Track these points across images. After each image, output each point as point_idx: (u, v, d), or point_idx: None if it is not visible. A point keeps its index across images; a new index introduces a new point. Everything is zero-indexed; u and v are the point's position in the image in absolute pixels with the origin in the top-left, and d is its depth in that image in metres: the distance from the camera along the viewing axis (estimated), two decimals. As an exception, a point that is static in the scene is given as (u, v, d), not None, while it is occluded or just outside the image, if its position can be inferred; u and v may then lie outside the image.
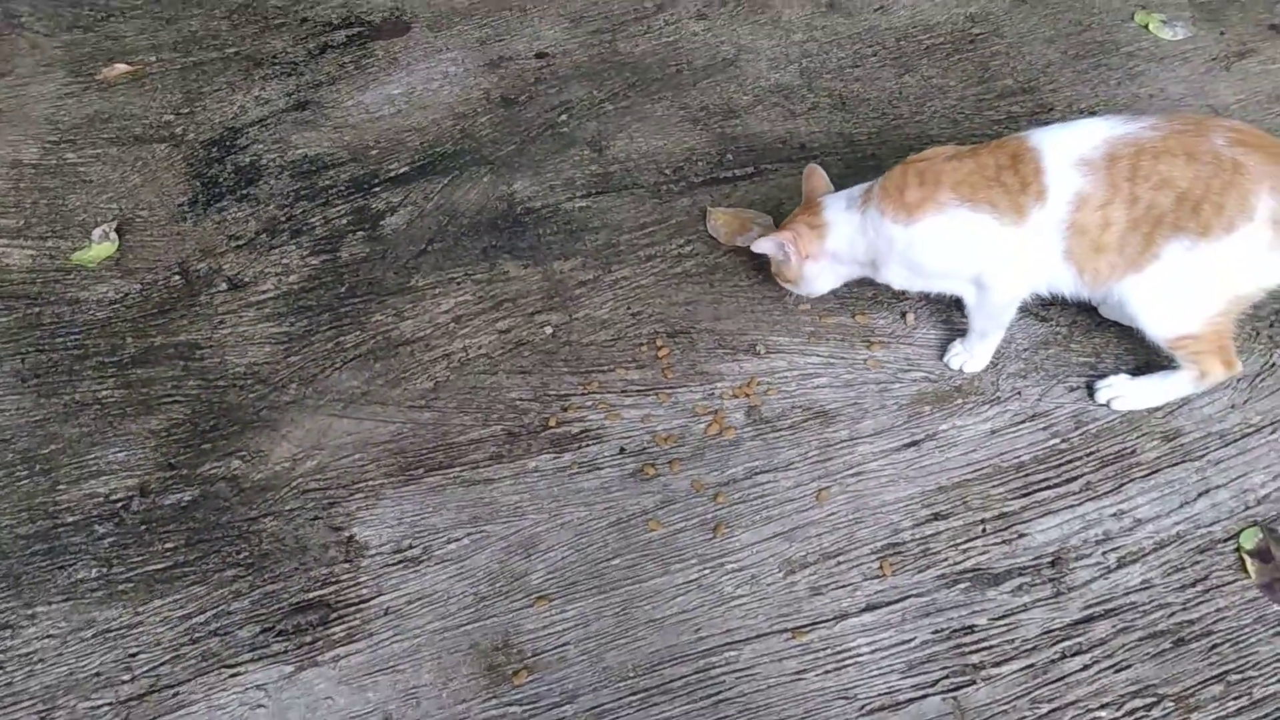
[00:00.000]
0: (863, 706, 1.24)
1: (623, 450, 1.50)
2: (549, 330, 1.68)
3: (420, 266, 1.81)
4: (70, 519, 1.50)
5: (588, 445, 1.51)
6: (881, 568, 1.35)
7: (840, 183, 1.62)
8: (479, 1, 2.37)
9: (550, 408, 1.57)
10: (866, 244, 1.47)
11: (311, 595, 1.39)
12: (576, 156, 1.98)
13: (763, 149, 1.94)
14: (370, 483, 1.51)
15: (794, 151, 1.93)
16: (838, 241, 1.48)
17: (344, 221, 1.90)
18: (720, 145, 1.96)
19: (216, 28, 2.38)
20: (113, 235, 1.90)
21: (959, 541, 1.37)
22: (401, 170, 1.99)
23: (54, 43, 2.39)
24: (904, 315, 1.64)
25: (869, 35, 2.17)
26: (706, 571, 1.36)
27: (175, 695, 1.30)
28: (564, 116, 2.06)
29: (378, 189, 1.96)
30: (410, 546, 1.43)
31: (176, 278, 1.83)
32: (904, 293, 1.64)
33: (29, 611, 1.41)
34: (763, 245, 1.51)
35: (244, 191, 1.98)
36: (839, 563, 1.36)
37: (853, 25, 2.20)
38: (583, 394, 1.58)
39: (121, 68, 2.28)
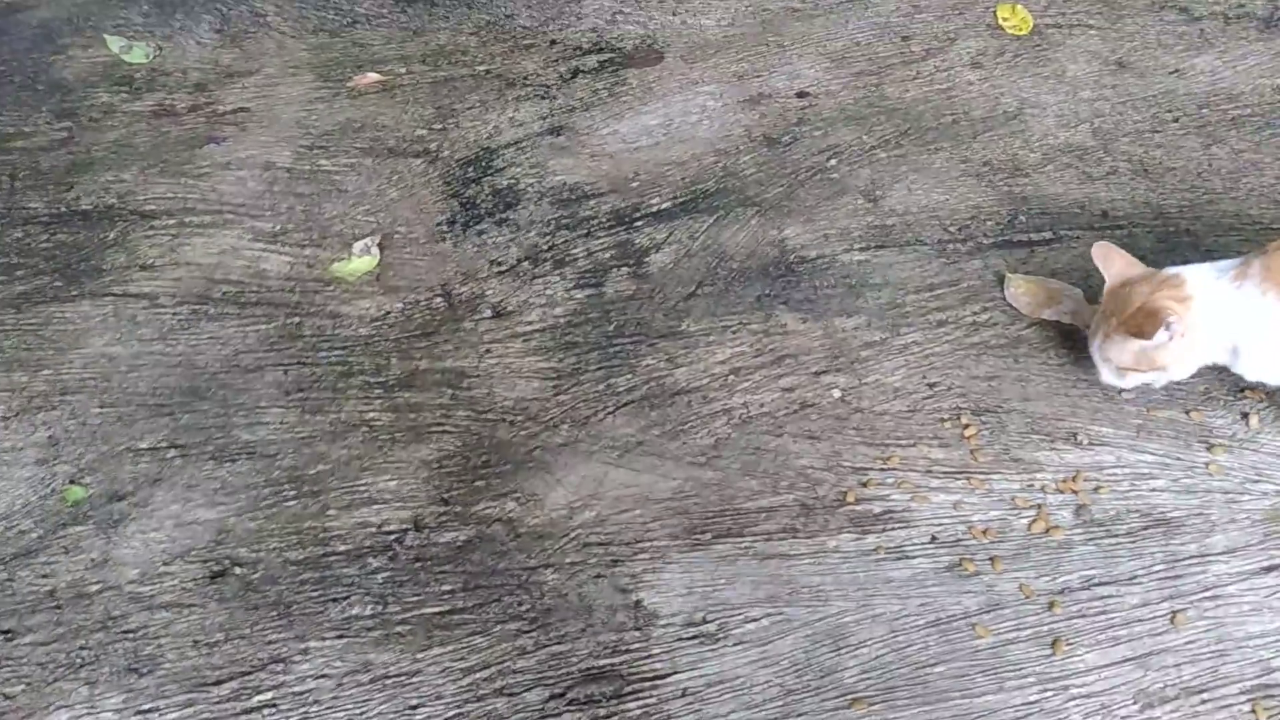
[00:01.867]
0: None
1: (934, 539, 1.37)
2: (837, 393, 1.57)
3: (691, 310, 1.72)
4: (342, 548, 1.44)
5: (893, 529, 1.39)
6: (1254, 711, 1.19)
7: (1156, 260, 1.48)
8: (734, 35, 2.29)
9: (846, 480, 1.45)
10: (1235, 325, 1.33)
11: (602, 663, 1.29)
12: (850, 205, 1.87)
13: (1058, 213, 1.80)
14: (654, 543, 1.41)
15: (1095, 219, 1.78)
16: (1205, 320, 1.34)
17: (607, 255, 1.83)
18: (1010, 205, 1.82)
19: (464, 43, 2.35)
20: (375, 250, 1.86)
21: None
22: (664, 206, 1.91)
23: (301, 45, 2.39)
24: (1245, 416, 1.47)
25: (1166, 99, 2.01)
26: (1049, 694, 1.22)
27: (460, 758, 1.22)
28: (832, 161, 1.96)
29: (640, 223, 1.88)
30: (705, 621, 1.32)
31: (439, 300, 1.77)
32: (1245, 390, 1.48)
33: (301, 645, 1.34)
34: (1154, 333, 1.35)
35: (503, 215, 1.92)
36: (1204, 701, 1.20)
37: (1146, 87, 2.04)
38: (882, 469, 1.46)
39: (373, 76, 2.26)
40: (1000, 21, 2.22)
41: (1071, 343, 1.59)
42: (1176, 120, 1.96)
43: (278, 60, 2.35)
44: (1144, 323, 1.35)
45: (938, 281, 1.71)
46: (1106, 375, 1.44)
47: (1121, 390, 1.48)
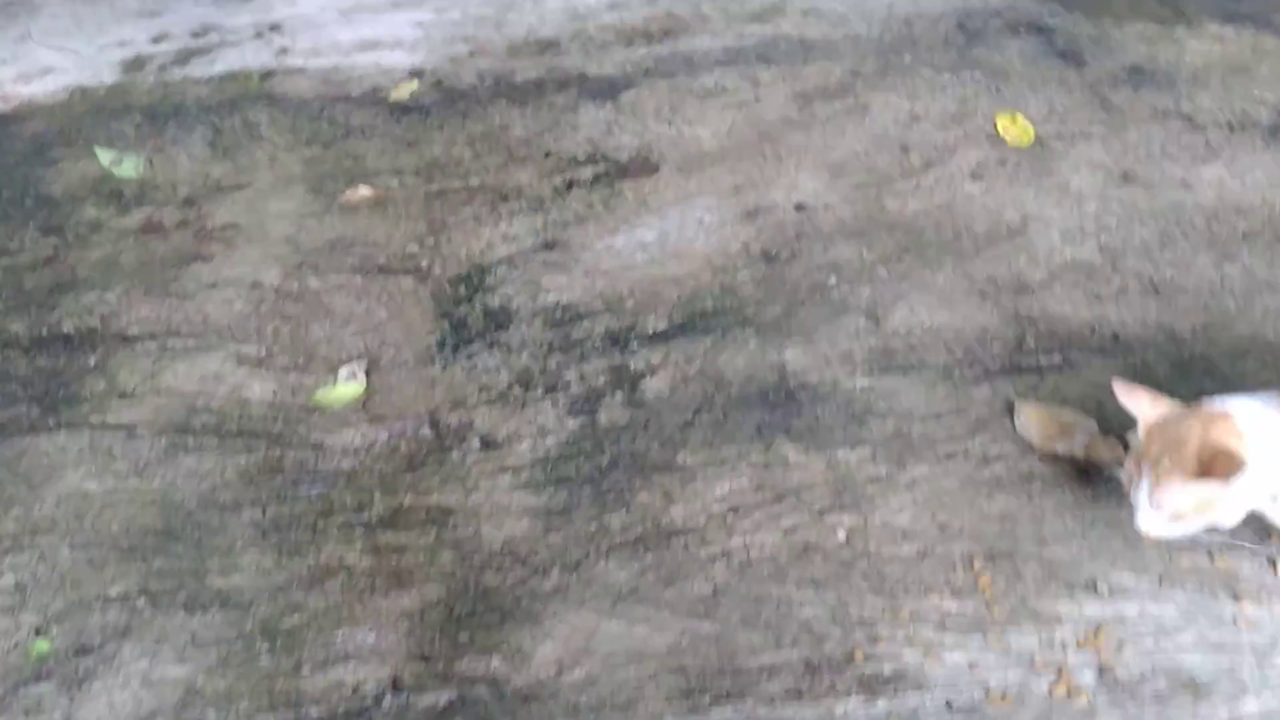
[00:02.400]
0: None
1: (950, 706, 1.28)
2: (842, 535, 1.49)
3: (687, 440, 1.65)
4: (315, 712, 1.35)
5: (906, 693, 1.30)
6: None
7: (1172, 388, 1.41)
8: (730, 146, 2.27)
9: (853, 635, 1.37)
10: None
11: None
12: (851, 326, 1.81)
13: (1068, 335, 1.74)
14: (649, 707, 1.32)
15: (1106, 341, 1.72)
16: (1260, 459, 1.26)
17: (601, 381, 1.76)
18: (1017, 326, 1.77)
19: (459, 155, 2.33)
20: (361, 376, 1.80)
21: None
22: (660, 327, 1.85)
23: (293, 158, 2.37)
24: (1273, 562, 1.39)
25: (1174, 213, 1.97)
26: None
27: None
28: (832, 279, 1.91)
29: (635, 346, 1.82)
30: (703, 799, 1.23)
31: (426, 430, 1.71)
32: (1271, 534, 1.40)
33: (269, 823, 1.25)
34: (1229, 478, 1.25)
35: (494, 337, 1.87)
36: None
37: (1153, 200, 2.00)
38: (891, 622, 1.37)
39: (364, 191, 2.23)
40: (1000, 132, 2.20)
41: (1086, 479, 1.52)
42: (1185, 236, 1.91)
43: (269, 173, 2.32)
44: (1219, 464, 1.24)
45: (944, 409, 1.65)
46: (1153, 524, 1.32)
47: (1151, 536, 1.39)
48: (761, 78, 2.48)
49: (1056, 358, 1.71)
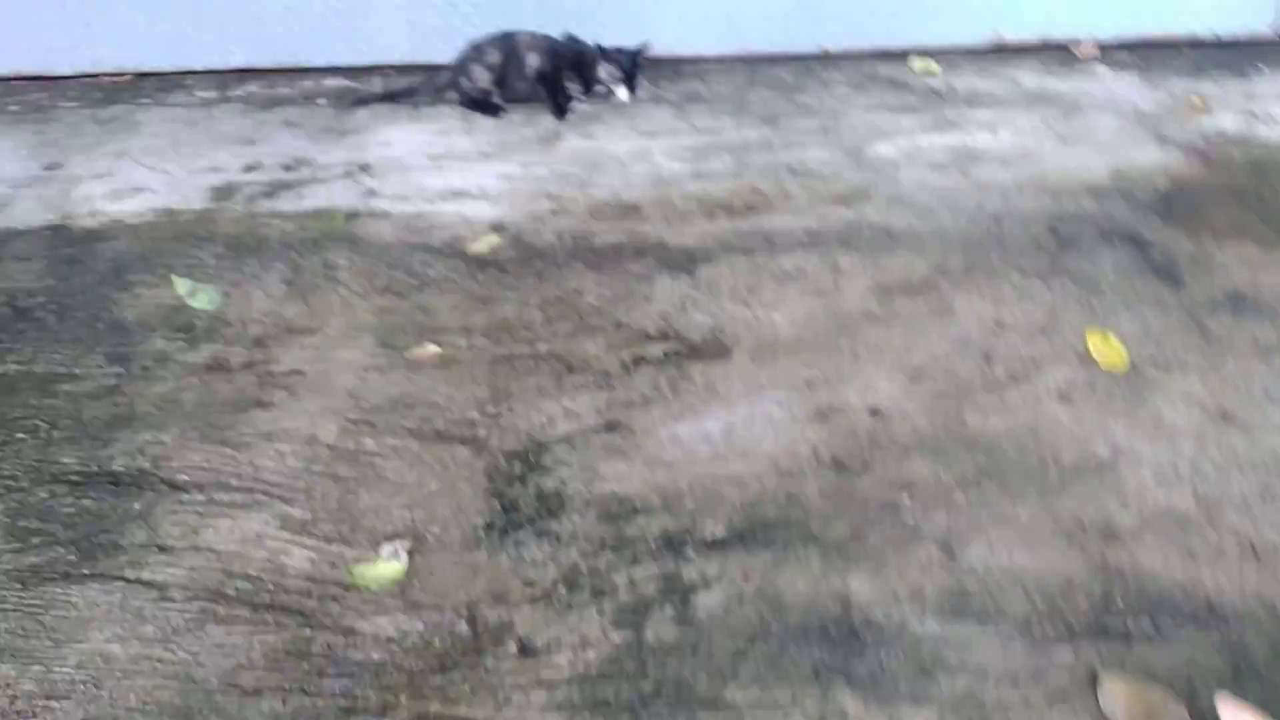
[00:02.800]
0: None
1: None
2: (901, 811, 1.36)
3: (738, 673, 1.54)
4: None
5: None
6: None
7: (1272, 673, 1.27)
8: (806, 336, 2.21)
9: None
10: None
11: None
12: (924, 557, 1.70)
13: (1159, 597, 1.61)
14: None
15: (1200, 608, 1.59)
16: None
17: (652, 589, 1.67)
18: (1104, 579, 1.64)
19: (530, 318, 2.31)
20: (403, 555, 1.73)
21: None
22: (718, 533, 1.76)
23: (367, 305, 2.37)
24: None
25: (1276, 464, 1.85)
26: None
27: None
28: (906, 498, 1.81)
29: (691, 553, 1.73)
30: None
31: (464, 625, 1.62)
32: None
33: None
34: None
35: (544, 525, 1.79)
36: None
37: (1253, 446, 1.89)
38: None
39: (432, 349, 2.21)
40: (1091, 351, 2.11)
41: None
42: (1289, 490, 1.79)
43: (341, 320, 2.32)
44: None
45: (1022, 671, 1.51)
46: None
47: None
48: (842, 264, 2.44)
49: (1146, 623, 1.57)
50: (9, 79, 3.44)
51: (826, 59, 3.65)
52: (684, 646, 1.58)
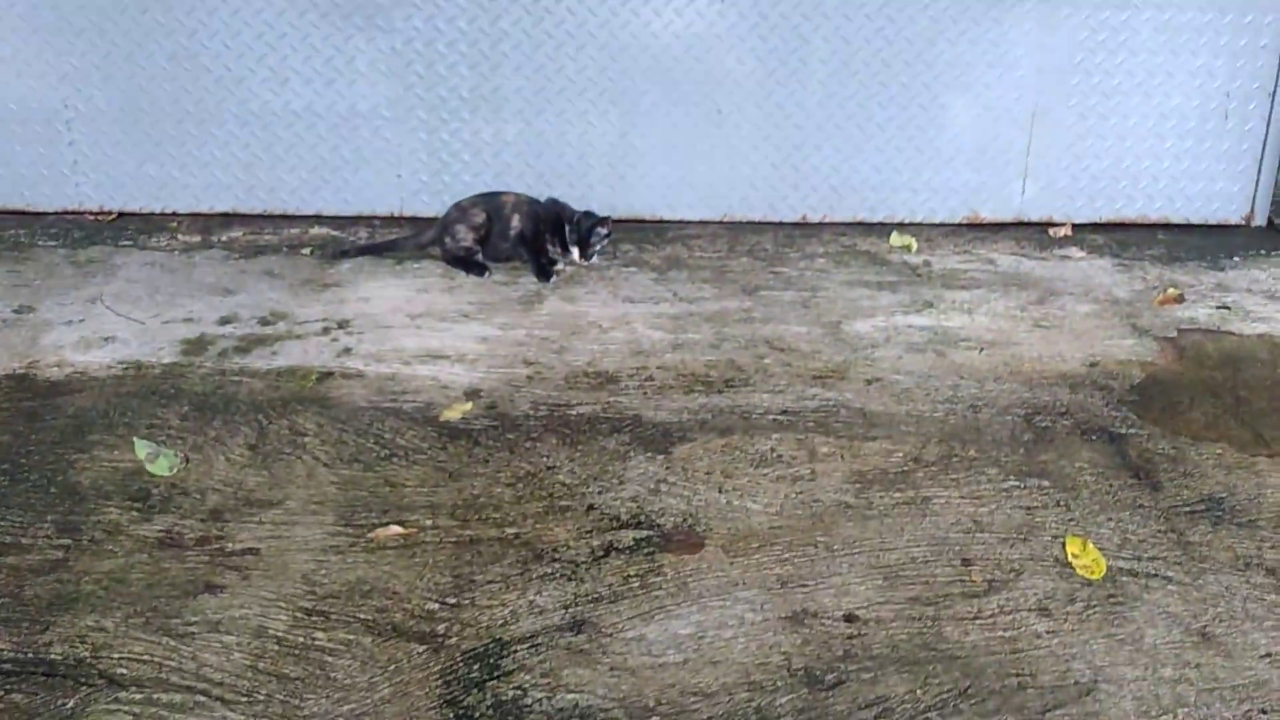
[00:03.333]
0: None
1: None
2: None
3: None
4: None
5: None
6: None
7: None
8: (781, 527, 2.16)
9: None
10: None
11: None
12: (899, 792, 1.62)
13: None
14: None
15: None
16: None
17: (612, 823, 1.58)
18: (1088, 827, 1.57)
19: (499, 496, 2.26)
20: (348, 776, 1.63)
21: None
22: (685, 758, 1.68)
23: (331, 476, 2.31)
24: None
25: (1258, 692, 1.79)
26: None
27: None
28: (881, 720, 1.74)
29: (655, 780, 1.64)
30: None
31: None
32: None
33: None
34: None
35: (501, 742, 1.71)
36: None
37: (1235, 671, 1.83)
38: None
39: (395, 529, 2.14)
40: (1070, 558, 2.08)
41: None
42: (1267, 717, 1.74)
43: (303, 492, 2.26)
44: None
45: None
46: None
47: None
48: (819, 450, 2.41)
49: None
50: (-11, 214, 3.45)
51: (807, 227, 3.72)
52: None
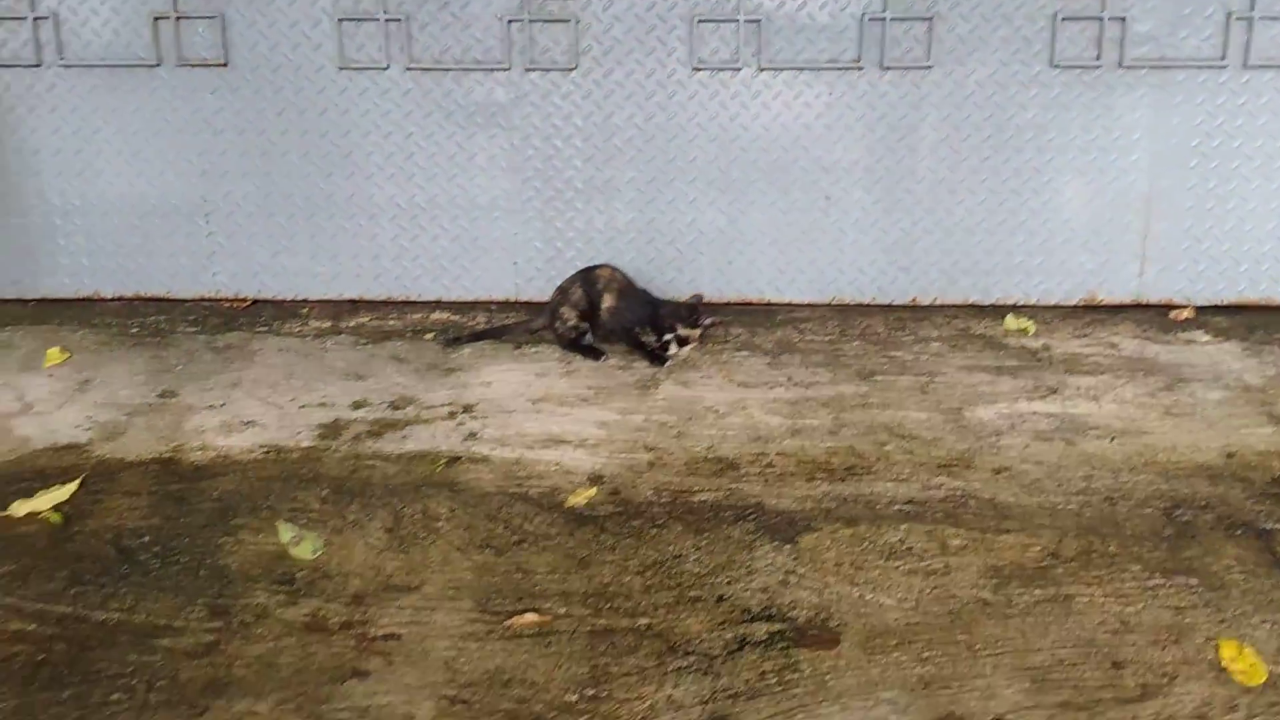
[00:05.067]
0: None
1: None
2: None
3: None
4: None
5: None
6: None
7: None
8: (918, 624, 2.13)
9: None
10: None
11: None
12: None
13: None
14: None
15: None
16: None
17: None
18: None
19: (629, 585, 2.27)
20: None
21: None
22: None
23: (466, 561, 2.35)
24: None
25: None
26: None
27: None
28: (1040, 834, 1.68)
29: None
30: None
31: None
32: None
33: None
34: None
35: (650, 843, 1.70)
36: None
37: None
38: None
39: (531, 617, 2.17)
40: (1225, 663, 1.99)
41: None
42: None
43: (440, 577, 2.30)
44: None
45: None
46: None
47: None
48: (951, 543, 2.38)
49: None
50: (133, 299, 3.65)
51: (919, 310, 3.72)
52: None
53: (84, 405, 2.97)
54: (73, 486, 2.57)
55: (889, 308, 3.72)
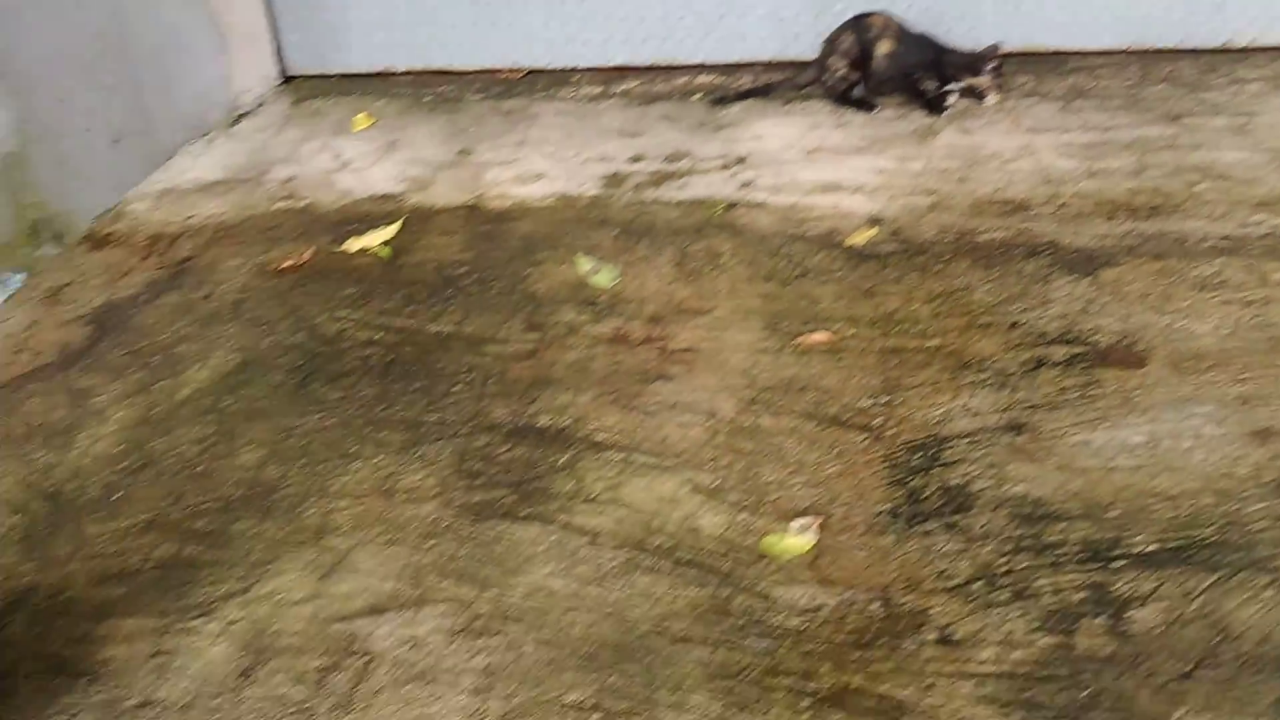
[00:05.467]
0: None
1: None
2: None
3: (1186, 696, 1.45)
4: None
5: None
6: None
7: None
8: (1233, 349, 2.04)
9: None
10: None
11: None
12: (1403, 600, 1.52)
13: None
14: None
15: None
16: None
17: (1078, 597, 1.61)
18: None
19: (916, 312, 2.30)
20: (813, 532, 1.78)
21: None
22: (1149, 548, 1.67)
23: (752, 291, 2.45)
24: None
25: None
26: None
27: None
28: (1374, 535, 1.63)
29: (1119, 565, 1.65)
30: None
31: (878, 607, 1.65)
32: None
33: None
34: None
35: (952, 519, 1.78)
36: None
37: None
38: None
39: (821, 336, 2.26)
40: None
41: None
42: None
43: (729, 303, 2.42)
44: None
45: None
46: None
47: None
48: (1272, 277, 2.22)
49: None
50: (422, 73, 3.89)
51: (1232, 54, 3.34)
52: (1121, 660, 1.51)
53: (393, 162, 3.26)
54: (396, 227, 2.87)
55: (1196, 52, 3.36)
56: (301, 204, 3.04)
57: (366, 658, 1.66)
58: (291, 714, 1.58)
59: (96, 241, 2.96)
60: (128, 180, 3.25)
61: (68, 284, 2.78)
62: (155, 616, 1.75)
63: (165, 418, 2.24)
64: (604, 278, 2.56)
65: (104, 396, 2.32)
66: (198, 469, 2.08)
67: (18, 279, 2.82)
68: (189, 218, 3.02)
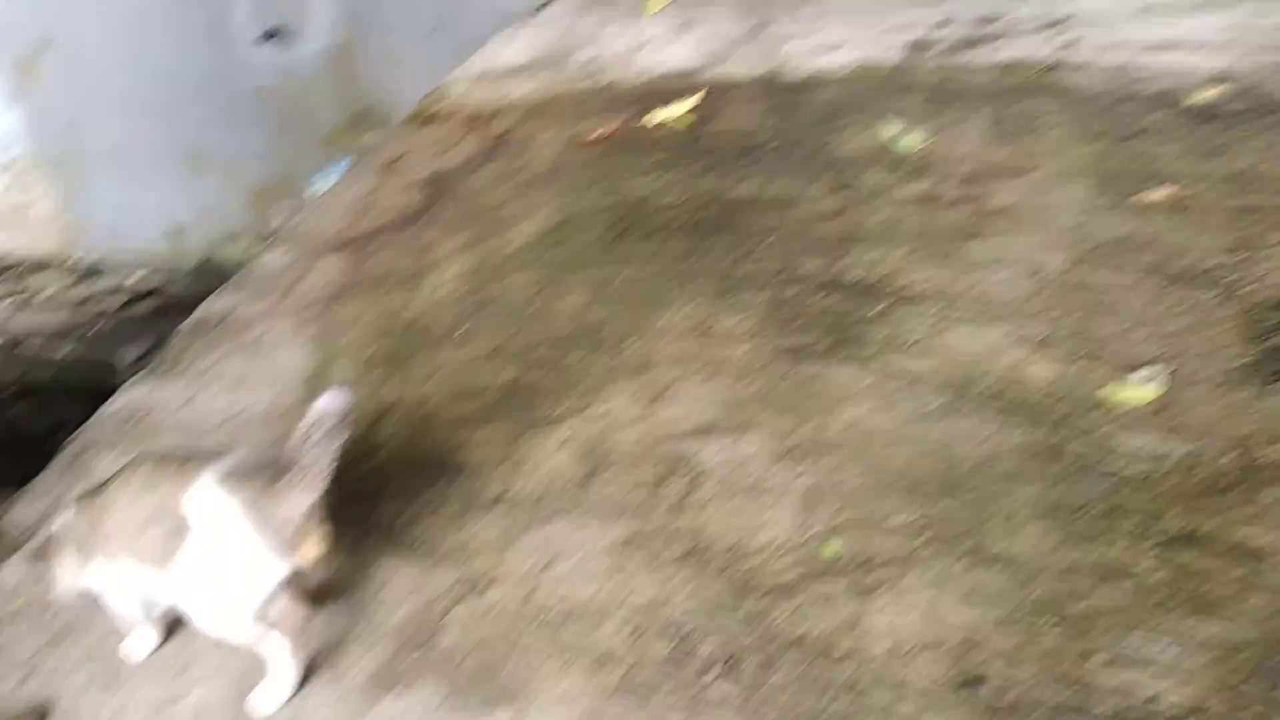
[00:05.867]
0: None
1: None
2: None
3: None
4: (1099, 709, 1.30)
5: None
6: None
7: None
8: None
9: None
10: None
11: None
12: None
13: None
14: None
15: None
16: None
17: None
18: None
19: (1272, 171, 2.09)
20: (1160, 381, 1.70)
21: None
22: None
23: (1079, 150, 2.31)
24: None
25: None
26: None
27: None
28: None
29: None
30: None
31: (1233, 457, 1.55)
32: None
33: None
34: None
35: (1321, 375, 1.64)
36: None
37: None
38: None
39: (1163, 192, 2.11)
40: None
41: None
42: None
43: (1053, 162, 2.30)
44: None
45: None
46: None
47: None
48: None
49: None
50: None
51: None
52: None
53: (689, 40, 3.30)
54: (696, 99, 2.93)
55: None
56: (605, 82, 3.17)
57: (695, 472, 1.78)
58: (631, 513, 1.73)
59: (424, 119, 3.24)
60: (442, 69, 3.52)
61: (402, 155, 3.07)
62: (507, 425, 1.96)
63: (498, 267, 2.45)
64: (912, 141, 2.50)
65: (443, 249, 2.57)
66: (530, 310, 2.27)
67: (344, 163, 3.15)
68: (503, 97, 3.23)
